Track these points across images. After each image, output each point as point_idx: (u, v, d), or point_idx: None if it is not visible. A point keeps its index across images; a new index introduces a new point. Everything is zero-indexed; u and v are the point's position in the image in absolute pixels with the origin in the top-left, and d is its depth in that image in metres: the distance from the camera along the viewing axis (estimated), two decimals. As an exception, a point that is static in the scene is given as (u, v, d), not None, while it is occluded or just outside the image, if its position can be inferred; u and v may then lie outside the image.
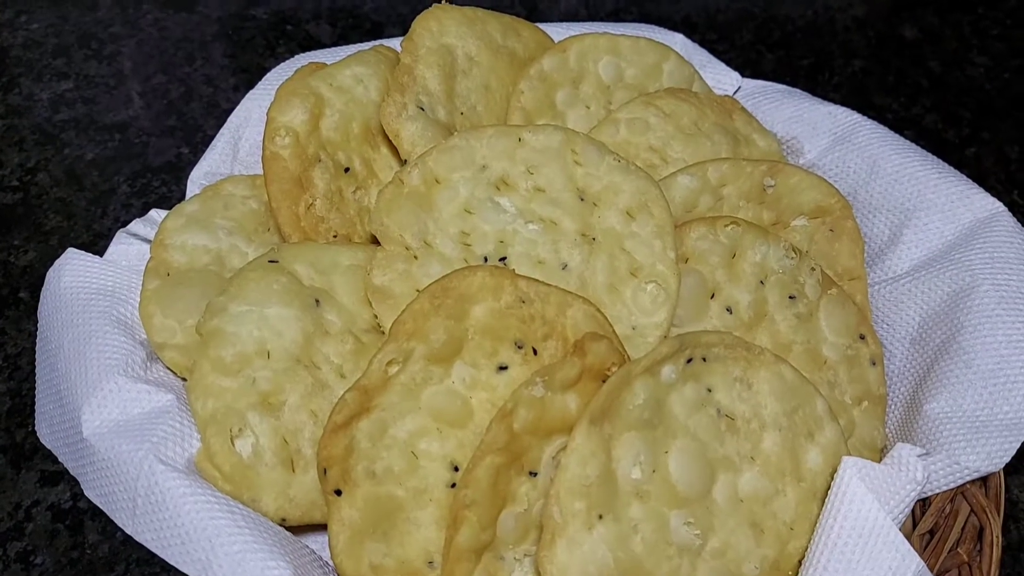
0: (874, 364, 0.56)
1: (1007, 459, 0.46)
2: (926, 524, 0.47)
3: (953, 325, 0.53)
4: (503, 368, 0.49)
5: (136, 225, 0.58)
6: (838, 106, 0.65)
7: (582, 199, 0.54)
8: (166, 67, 0.95)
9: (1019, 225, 0.56)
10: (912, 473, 0.46)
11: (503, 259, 0.52)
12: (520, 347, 0.49)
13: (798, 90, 0.67)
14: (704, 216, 0.57)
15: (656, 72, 0.66)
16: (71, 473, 0.49)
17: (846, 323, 0.56)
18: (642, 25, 0.72)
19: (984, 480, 0.49)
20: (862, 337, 0.56)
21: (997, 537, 0.46)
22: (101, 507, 0.46)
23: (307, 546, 0.48)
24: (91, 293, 0.54)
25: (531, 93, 0.62)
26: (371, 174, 0.58)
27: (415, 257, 0.52)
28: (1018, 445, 0.47)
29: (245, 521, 0.43)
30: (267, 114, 0.56)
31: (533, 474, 0.46)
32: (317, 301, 0.51)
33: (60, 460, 0.50)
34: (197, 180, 0.62)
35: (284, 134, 0.55)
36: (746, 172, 0.58)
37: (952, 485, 0.47)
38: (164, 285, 0.54)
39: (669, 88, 0.64)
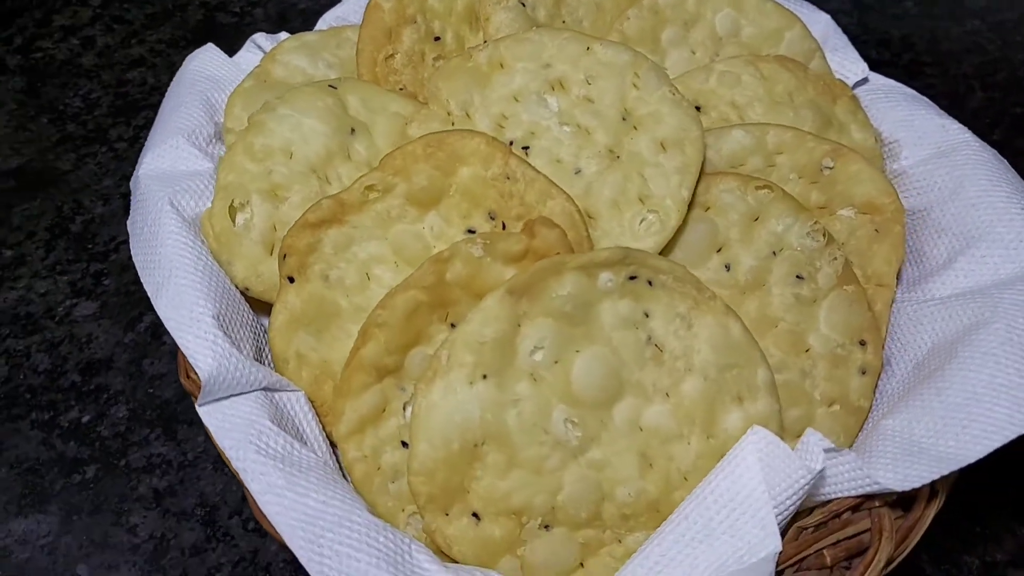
0: (863, 374, 0.52)
1: (916, 485, 0.42)
2: (813, 519, 0.45)
3: (949, 354, 0.49)
4: (471, 232, 0.52)
5: (261, 37, 0.67)
6: (955, 121, 0.60)
7: (624, 119, 0.55)
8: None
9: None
10: (810, 461, 0.44)
11: (526, 148, 0.55)
12: (492, 218, 0.51)
13: (924, 97, 0.62)
14: (742, 173, 0.56)
15: (775, 38, 0.64)
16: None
17: (848, 323, 0.53)
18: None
19: (907, 512, 0.45)
20: (862, 343, 0.53)
21: (878, 563, 0.43)
22: (129, 233, 0.55)
23: (257, 319, 0.54)
24: (202, 78, 0.63)
25: (637, 22, 0.63)
26: (459, 49, 0.63)
27: (452, 123, 0.56)
28: (936, 477, 0.42)
29: (205, 268, 0.50)
30: (385, -30, 0.62)
31: (455, 326, 0.49)
32: (352, 130, 0.56)
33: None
34: (328, 20, 0.70)
35: (392, -11, 0.61)
36: (807, 146, 0.56)
37: (852, 492, 0.44)
38: (256, 87, 0.62)
39: (780, 55, 0.63)
